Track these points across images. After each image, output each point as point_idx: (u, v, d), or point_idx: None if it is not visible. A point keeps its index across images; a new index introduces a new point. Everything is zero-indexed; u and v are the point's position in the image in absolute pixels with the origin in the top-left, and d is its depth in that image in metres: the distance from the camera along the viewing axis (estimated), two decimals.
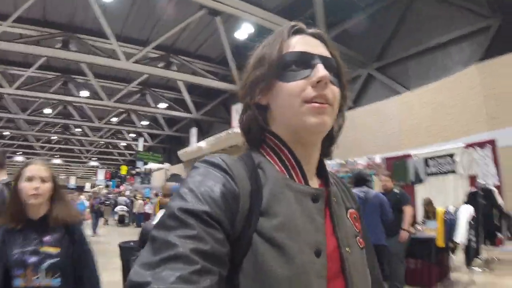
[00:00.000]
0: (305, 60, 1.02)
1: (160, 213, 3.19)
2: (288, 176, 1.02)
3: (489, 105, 11.27)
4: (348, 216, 1.11)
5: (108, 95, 23.52)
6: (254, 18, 15.04)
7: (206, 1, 13.67)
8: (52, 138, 38.80)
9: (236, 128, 22.33)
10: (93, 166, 56.50)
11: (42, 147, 42.26)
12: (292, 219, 0.93)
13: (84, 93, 25.11)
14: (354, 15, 16.70)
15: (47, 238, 2.40)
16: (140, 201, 24.47)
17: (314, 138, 1.06)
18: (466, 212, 7.74)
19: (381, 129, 15.09)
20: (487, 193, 8.06)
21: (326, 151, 1.15)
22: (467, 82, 12.03)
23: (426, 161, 10.31)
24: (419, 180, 10.49)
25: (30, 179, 2.44)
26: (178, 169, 30.20)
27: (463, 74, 12.36)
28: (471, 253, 7.80)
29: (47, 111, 29.42)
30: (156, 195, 22.27)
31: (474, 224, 7.70)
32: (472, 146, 8.92)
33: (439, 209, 8.26)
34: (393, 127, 14.66)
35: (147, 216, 21.57)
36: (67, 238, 2.49)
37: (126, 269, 7.17)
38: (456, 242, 7.79)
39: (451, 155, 9.31)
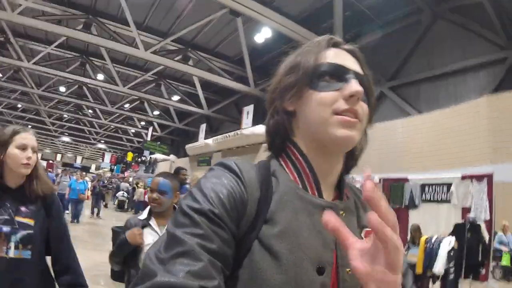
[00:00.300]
0: (339, 73, 1.03)
1: (146, 211, 3.26)
2: (301, 186, 1.02)
3: (493, 139, 11.32)
4: (362, 235, 1.07)
5: (123, 81, 23.65)
6: (274, 24, 15.13)
7: (227, 1, 13.69)
8: (63, 116, 38.97)
9: (244, 130, 22.46)
10: (100, 149, 56.62)
11: (53, 124, 42.50)
12: (294, 229, 0.93)
13: (100, 76, 25.26)
14: (372, 31, 16.71)
15: (23, 209, 2.30)
16: (141, 190, 24.62)
17: (338, 151, 1.05)
18: (447, 243, 7.82)
19: (384, 149, 15.01)
20: (474, 227, 8.13)
21: (346, 168, 1.15)
22: (475, 113, 12.09)
23: (423, 187, 10.36)
24: (413, 205, 10.53)
25: (23, 147, 2.36)
26: (183, 162, 30.29)
27: (472, 104, 12.40)
28: (447, 285, 7.87)
29: (62, 89, 29.65)
30: None
31: (453, 255, 7.76)
32: (470, 178, 8.94)
33: (423, 237, 8.35)
34: (396, 148, 14.69)
35: (146, 205, 21.67)
36: (43, 211, 2.40)
37: None
38: (433, 272, 7.86)
39: (447, 185, 9.36)
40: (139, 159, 39.42)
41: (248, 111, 22.95)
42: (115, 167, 47.74)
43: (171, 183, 3.23)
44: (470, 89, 13.86)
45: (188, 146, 29.13)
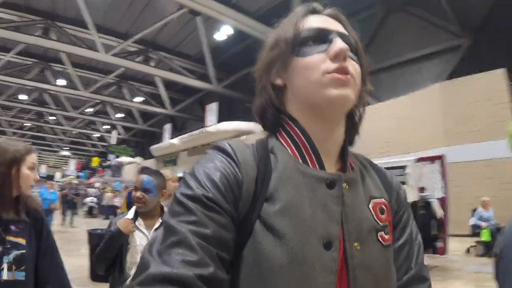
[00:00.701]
0: (322, 36, 0.98)
1: (132, 212, 3.07)
2: (301, 160, 0.97)
3: (446, 123, 12.27)
4: (371, 207, 1.00)
5: (84, 85, 23.62)
6: (233, 22, 15.50)
7: (186, 1, 13.93)
8: (25, 124, 38.49)
9: (209, 127, 22.62)
10: (64, 156, 56.02)
11: (14, 133, 41.87)
12: (297, 205, 0.88)
13: (61, 82, 25.13)
14: None
15: (13, 227, 2.09)
16: (110, 194, 24.56)
17: (336, 113, 0.99)
18: None
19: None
20: (426, 205, 8.61)
21: (349, 139, 1.08)
22: (429, 100, 12.90)
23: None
24: None
25: (32, 168, 2.21)
26: (150, 164, 30.27)
27: (426, 92, 13.17)
28: None
29: (23, 97, 29.34)
30: (126, 188, 22.45)
31: None
32: (422, 160, 9.44)
33: None
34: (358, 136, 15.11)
35: (115, 209, 21.71)
36: (32, 229, 2.21)
37: (94, 254, 7.63)
38: None
39: (403, 168, 9.82)
40: (105, 164, 39.20)
41: (212, 108, 23.12)
42: (82, 173, 47.30)
43: (156, 181, 3.01)
44: (426, 77, 14.58)
45: (153, 147, 29.17)
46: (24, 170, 2.16)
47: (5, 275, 1.98)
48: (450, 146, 11.96)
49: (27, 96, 29.32)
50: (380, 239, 0.96)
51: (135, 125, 32.78)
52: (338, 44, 0.94)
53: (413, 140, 12.81)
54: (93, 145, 46.83)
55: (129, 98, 28.10)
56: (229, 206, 0.84)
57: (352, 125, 1.07)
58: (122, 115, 33.66)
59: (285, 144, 1.00)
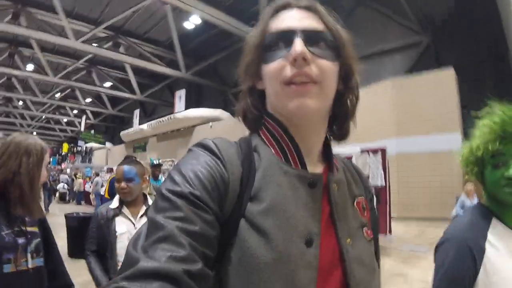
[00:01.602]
0: (285, 38, 0.95)
1: (116, 200, 3.14)
2: (284, 160, 0.98)
3: (397, 116, 13.46)
4: (355, 205, 1.06)
5: (53, 70, 23.64)
6: (200, 13, 15.89)
7: None
8: None
9: (177, 113, 22.86)
10: None
11: None
12: (281, 204, 0.90)
13: (30, 67, 25.03)
14: None
15: (27, 218, 2.20)
16: (80, 180, 24.65)
17: (303, 122, 0.99)
18: None
19: None
20: None
21: (338, 133, 1.11)
22: (382, 94, 13.94)
23: None
24: None
25: (45, 166, 2.32)
26: (119, 149, 30.39)
27: (380, 86, 14.09)
28: None
29: None
30: (97, 174, 22.51)
31: None
32: (367, 151, 10.17)
33: None
34: None
35: (86, 195, 21.93)
36: (37, 219, 2.32)
37: (70, 235, 8.10)
38: None
39: (350, 158, 10.49)
40: (75, 150, 39.05)
41: (181, 95, 23.43)
42: (51, 159, 46.88)
43: (136, 168, 3.07)
44: (388, 71, 15.27)
45: (123, 133, 29.23)
46: (42, 169, 2.25)
47: (30, 264, 2.09)
48: (400, 137, 13.13)
49: None
50: (365, 234, 1.03)
51: (104, 110, 32.85)
52: (296, 47, 0.91)
53: (367, 130, 13.56)
54: (62, 130, 46.43)
55: (99, 83, 28.08)
56: (214, 205, 0.85)
57: (337, 122, 1.09)
58: (91, 100, 33.62)
59: (267, 143, 1.01)
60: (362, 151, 10.24)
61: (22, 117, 40.65)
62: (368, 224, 1.07)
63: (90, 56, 23.35)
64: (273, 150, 0.99)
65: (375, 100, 13.91)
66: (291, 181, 0.94)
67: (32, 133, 48.76)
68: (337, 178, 1.02)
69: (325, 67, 0.94)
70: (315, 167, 1.02)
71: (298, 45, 0.91)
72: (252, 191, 0.90)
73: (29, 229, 2.16)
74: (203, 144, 0.96)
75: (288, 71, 0.92)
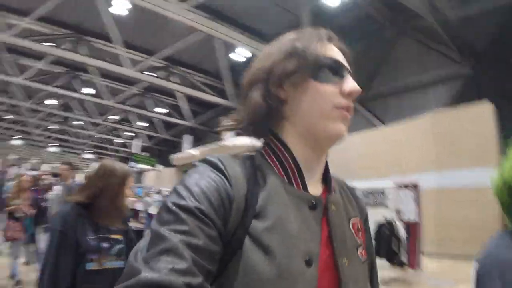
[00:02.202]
0: (338, 69, 1.02)
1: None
2: (286, 180, 1.00)
3: (435, 150, 13.25)
4: (350, 226, 1.07)
5: (110, 94, 24.59)
6: (247, 46, 16.55)
7: (202, 27, 14.86)
8: (50, 127, 39.57)
9: (226, 141, 23.17)
10: (87, 159, 56.59)
11: (40, 135, 42.81)
12: (284, 222, 0.92)
13: (87, 90, 26.09)
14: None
15: (113, 228, 2.65)
16: (132, 199, 25.21)
17: (331, 145, 1.05)
18: None
19: (339, 159, 16.17)
20: (390, 225, 9.42)
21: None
22: (420, 128, 13.80)
23: (366, 193, 11.47)
24: None
25: (129, 187, 2.84)
26: (170, 172, 30.85)
27: (418, 121, 13.96)
28: None
29: (50, 102, 30.35)
30: (147, 194, 22.93)
31: None
32: (400, 186, 10.18)
33: None
34: (351, 159, 15.83)
35: (136, 213, 22.38)
36: (124, 227, 2.79)
37: None
38: None
39: (382, 191, 10.54)
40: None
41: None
42: None
43: None
44: (431, 102, 15.06)
45: (173, 156, 29.56)
46: (126, 190, 2.78)
47: (111, 264, 2.51)
48: (438, 171, 12.89)
49: (55, 101, 30.35)
50: (360, 255, 1.04)
51: (156, 133, 33.82)
52: (353, 84, 1.01)
53: (404, 164, 13.64)
54: (115, 150, 47.55)
55: (152, 108, 28.98)
56: (219, 221, 0.86)
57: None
58: (145, 123, 34.71)
59: (271, 163, 1.03)
60: (396, 186, 10.30)
61: (78, 136, 41.96)
62: (363, 244, 1.09)
63: (144, 83, 24.03)
64: (276, 170, 1.01)
65: (414, 134, 13.85)
66: (294, 201, 0.97)
67: (85, 151, 50.33)
68: (334, 199, 1.06)
69: None
70: (315, 188, 1.04)
71: (353, 82, 1.01)
72: (256, 209, 0.92)
73: (112, 236, 2.59)
74: (209, 161, 0.98)
75: (342, 100, 0.99)
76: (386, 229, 9.39)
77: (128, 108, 26.66)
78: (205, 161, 0.98)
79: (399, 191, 10.15)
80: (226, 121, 1.14)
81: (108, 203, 2.65)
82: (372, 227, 9.80)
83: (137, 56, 20.32)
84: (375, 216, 9.95)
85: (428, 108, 14.36)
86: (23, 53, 22.06)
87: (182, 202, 0.84)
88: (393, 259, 9.38)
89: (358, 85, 1.02)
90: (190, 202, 0.84)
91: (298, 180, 1.00)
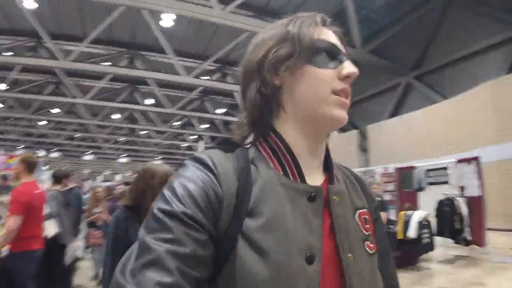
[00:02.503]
0: (334, 53, 0.99)
1: None
2: (282, 173, 0.95)
3: (497, 121, 12.44)
4: (356, 217, 1.02)
5: (170, 102, 25.28)
6: None
7: (247, 27, 14.92)
8: (119, 139, 41.09)
9: None
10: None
11: (110, 148, 44.44)
12: (280, 218, 0.86)
13: (149, 101, 27.01)
14: (389, 26, 17.34)
15: None
16: None
17: (330, 131, 1.03)
18: (417, 216, 9.24)
19: (401, 140, 16.37)
20: (451, 202, 9.36)
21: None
22: (479, 99, 13.09)
23: (427, 172, 11.37)
24: (420, 188, 11.50)
25: None
26: None
27: (475, 91, 13.37)
28: (422, 246, 9.27)
29: (116, 116, 31.75)
30: None
31: (427, 224, 9.15)
32: (462, 161, 10.04)
33: (401, 212, 9.72)
34: (410, 139, 15.92)
35: None
36: None
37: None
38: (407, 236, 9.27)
39: (445, 168, 10.45)
40: None
41: None
42: None
43: None
44: (490, 69, 14.33)
45: None
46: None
47: None
48: (502, 143, 12.11)
49: (119, 115, 31.67)
50: (367, 248, 0.98)
51: (218, 134, 34.55)
52: (351, 67, 0.97)
53: (463, 139, 13.25)
54: (182, 154, 48.49)
55: (212, 110, 29.55)
56: (208, 223, 0.82)
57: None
58: (207, 125, 35.56)
59: (266, 156, 0.98)
60: (458, 161, 10.21)
61: (145, 144, 43.27)
62: (372, 236, 1.03)
63: (201, 87, 24.58)
64: (271, 162, 0.97)
65: (472, 106, 13.22)
66: (291, 194, 0.91)
67: (155, 158, 51.59)
68: (337, 189, 1.00)
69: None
70: (315, 179, 1.00)
71: (352, 65, 0.98)
72: (249, 206, 0.88)
73: None
74: (197, 158, 0.94)
75: (339, 84, 0.96)
76: (447, 206, 9.41)
77: (188, 113, 27.42)
78: (194, 158, 0.95)
79: (460, 167, 10.07)
80: (235, 129, 1.11)
81: (150, 203, 2.75)
82: (434, 206, 9.88)
83: (191, 63, 20.85)
84: (438, 195, 9.99)
85: (488, 77, 13.63)
86: (83, 75, 23.17)
87: (168, 207, 0.82)
88: (457, 237, 9.39)
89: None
90: (176, 207, 0.81)
91: (295, 171, 0.96)
